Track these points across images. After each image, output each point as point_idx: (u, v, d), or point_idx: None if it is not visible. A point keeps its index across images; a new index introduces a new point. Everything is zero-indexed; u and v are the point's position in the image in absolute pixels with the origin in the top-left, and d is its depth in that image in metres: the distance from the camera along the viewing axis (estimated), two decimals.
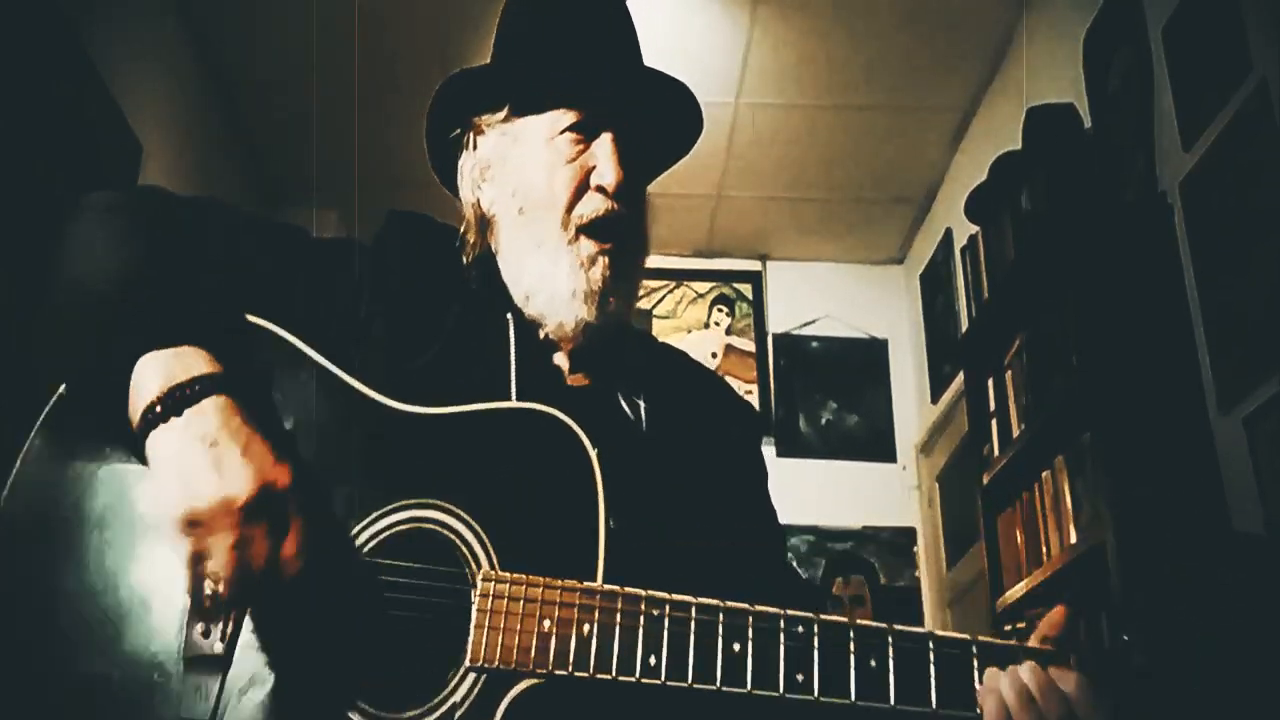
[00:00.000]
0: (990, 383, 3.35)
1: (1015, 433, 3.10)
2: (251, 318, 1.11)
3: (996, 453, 3.23)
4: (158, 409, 0.96)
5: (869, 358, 4.90)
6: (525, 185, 1.25)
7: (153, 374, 0.98)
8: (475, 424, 1.09)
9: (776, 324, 4.94)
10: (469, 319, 1.24)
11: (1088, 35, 3.06)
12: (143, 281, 1.04)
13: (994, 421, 3.29)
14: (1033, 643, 1.05)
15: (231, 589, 0.94)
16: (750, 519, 1.31)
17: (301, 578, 0.97)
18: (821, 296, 4.97)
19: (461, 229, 1.32)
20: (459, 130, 1.32)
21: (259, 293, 1.14)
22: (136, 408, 0.98)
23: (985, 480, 3.25)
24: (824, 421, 4.80)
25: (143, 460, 0.98)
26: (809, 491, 4.51)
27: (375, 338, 1.19)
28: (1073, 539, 2.68)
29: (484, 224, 1.30)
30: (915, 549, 4.51)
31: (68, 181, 2.96)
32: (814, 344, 4.91)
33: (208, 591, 0.95)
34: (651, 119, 1.29)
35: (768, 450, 4.67)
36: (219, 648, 0.97)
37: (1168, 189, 2.63)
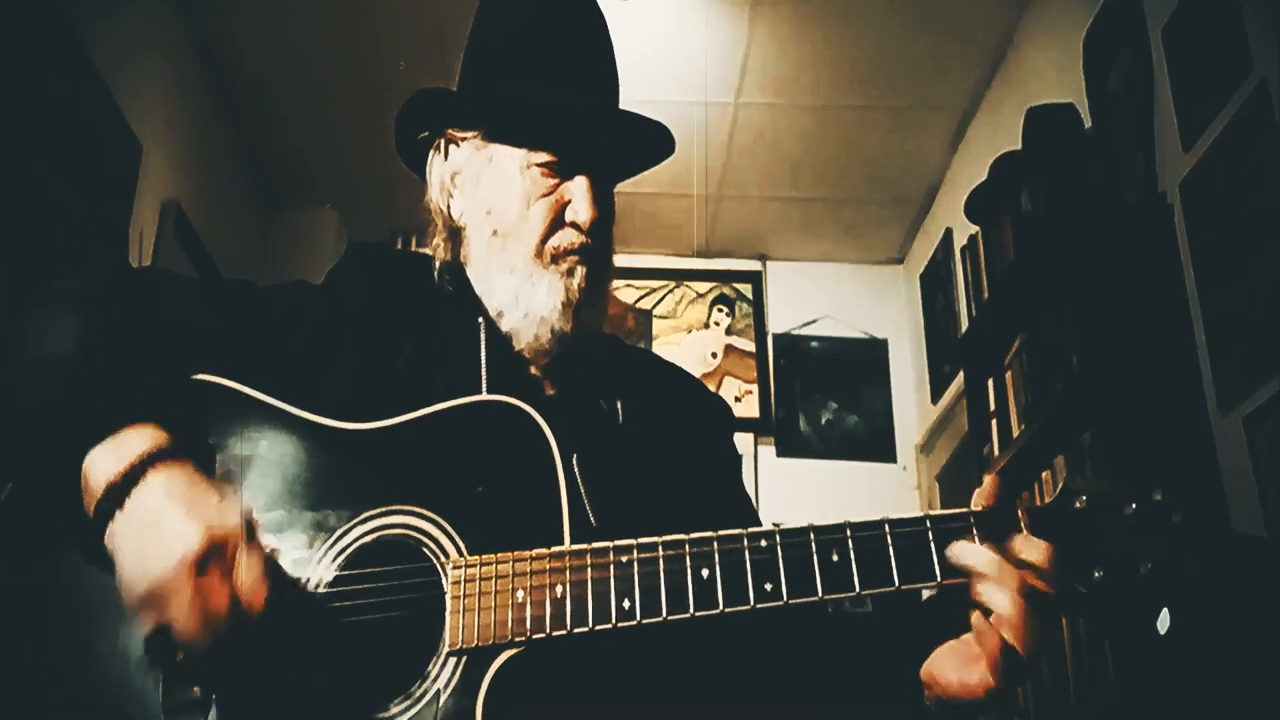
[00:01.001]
0: (990, 383, 3.35)
1: (1015, 433, 3.11)
2: (200, 376, 1.12)
3: (997, 453, 3.23)
4: (105, 505, 0.98)
5: (869, 358, 4.90)
6: (499, 209, 1.27)
7: (98, 470, 1.00)
8: (431, 426, 1.11)
9: (776, 324, 4.95)
10: (437, 329, 1.26)
11: (1088, 35, 3.07)
12: (84, 373, 1.05)
13: (994, 422, 3.29)
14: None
15: (202, 644, 0.95)
16: (728, 508, 1.34)
17: (269, 612, 0.97)
18: (822, 296, 4.97)
19: (429, 233, 1.35)
20: (429, 134, 1.33)
21: (211, 352, 1.16)
22: (90, 507, 1.00)
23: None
24: (824, 421, 4.80)
25: (102, 555, 0.99)
26: (809, 491, 4.51)
27: (340, 362, 1.21)
28: None
29: (454, 233, 1.33)
30: None
31: (68, 181, 2.96)
32: (814, 344, 4.91)
33: (180, 657, 0.97)
34: (626, 150, 1.33)
35: (768, 450, 4.68)
36: (197, 691, 0.99)
37: (1168, 189, 2.63)
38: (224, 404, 1.11)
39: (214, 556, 0.95)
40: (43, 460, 1.03)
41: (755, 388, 4.82)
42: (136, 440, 1.01)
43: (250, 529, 0.99)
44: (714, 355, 4.89)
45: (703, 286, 5.03)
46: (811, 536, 1.04)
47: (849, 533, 1.04)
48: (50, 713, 1.01)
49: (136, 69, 3.39)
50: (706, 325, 4.97)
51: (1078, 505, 1.06)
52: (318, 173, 4.59)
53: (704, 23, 3.75)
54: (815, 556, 1.03)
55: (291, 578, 1.04)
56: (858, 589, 1.02)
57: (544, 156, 1.25)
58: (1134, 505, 1.04)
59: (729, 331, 4.96)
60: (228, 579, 0.96)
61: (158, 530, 0.96)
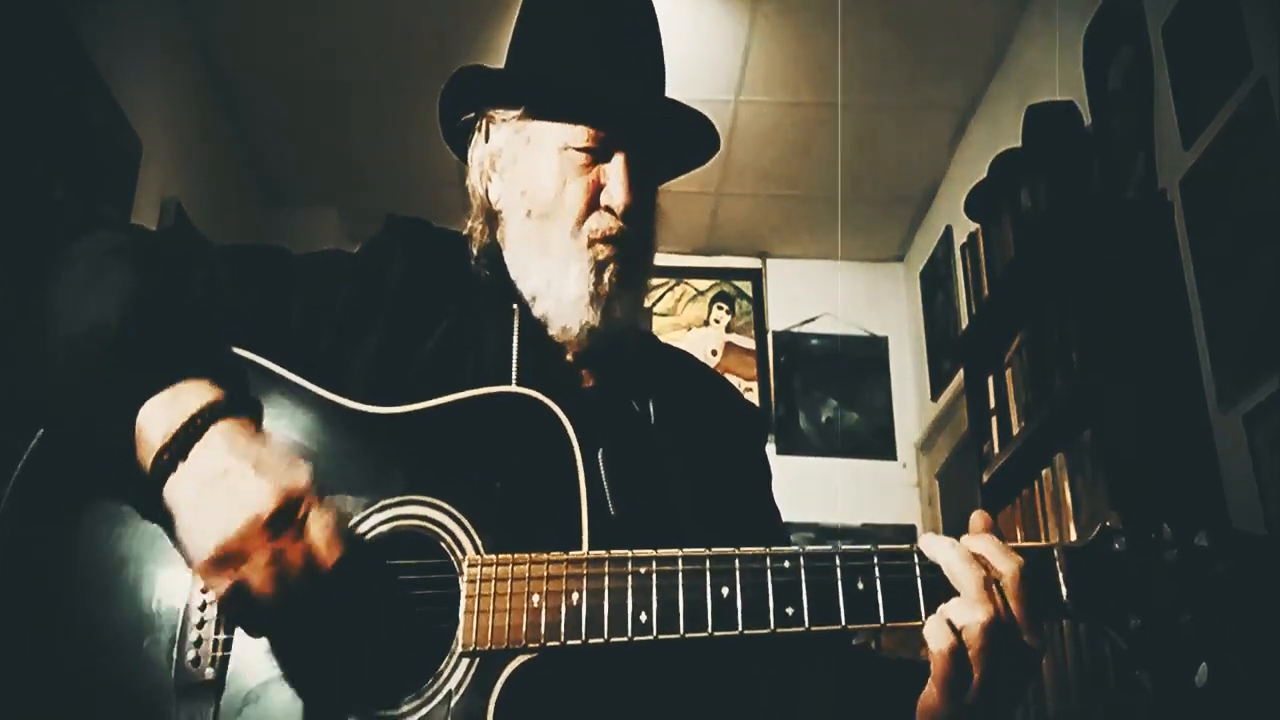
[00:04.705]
0: (990, 380, 3.35)
1: (1015, 430, 3.11)
2: (235, 350, 1.11)
3: (996, 450, 3.23)
4: (165, 457, 0.97)
5: (869, 355, 4.91)
6: (535, 190, 1.25)
7: (155, 422, 0.98)
8: (453, 415, 1.09)
9: (776, 321, 4.95)
10: (471, 312, 1.24)
11: (1088, 34, 3.07)
12: (133, 326, 1.04)
13: (994, 419, 3.29)
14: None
15: (276, 603, 0.95)
16: (754, 517, 1.32)
17: (338, 571, 0.97)
18: (821, 294, 4.97)
19: (468, 218, 1.32)
20: (472, 115, 1.31)
21: (237, 324, 1.14)
22: (146, 459, 0.98)
23: (985, 478, 3.25)
24: (824, 419, 4.80)
25: (156, 509, 0.99)
26: (809, 489, 4.51)
27: (368, 340, 1.19)
28: (1073, 537, 2.68)
29: (491, 217, 1.30)
30: None
31: (68, 182, 2.97)
32: (814, 341, 4.92)
33: (250, 611, 0.96)
34: (667, 142, 1.30)
35: (768, 448, 4.68)
36: (210, 674, 0.99)
37: (1168, 187, 2.63)
38: (252, 379, 1.10)
39: (287, 514, 0.94)
40: (94, 412, 1.01)
41: (755, 385, 4.82)
42: (193, 395, 0.99)
43: (318, 487, 0.98)
44: (714, 353, 4.89)
45: (703, 284, 5.03)
46: (837, 561, 1.01)
47: (875, 559, 1.01)
48: (58, 685, 0.99)
49: (136, 69, 3.39)
50: (706, 323, 4.97)
51: (1116, 547, 1.01)
52: (318, 173, 4.59)
53: (704, 21, 3.75)
54: (840, 583, 1.00)
55: (352, 533, 1.02)
56: (883, 620, 0.99)
57: (582, 138, 1.22)
58: (1176, 551, 0.99)
59: (729, 329, 4.96)
60: (300, 537, 0.95)
61: (226, 487, 0.94)
